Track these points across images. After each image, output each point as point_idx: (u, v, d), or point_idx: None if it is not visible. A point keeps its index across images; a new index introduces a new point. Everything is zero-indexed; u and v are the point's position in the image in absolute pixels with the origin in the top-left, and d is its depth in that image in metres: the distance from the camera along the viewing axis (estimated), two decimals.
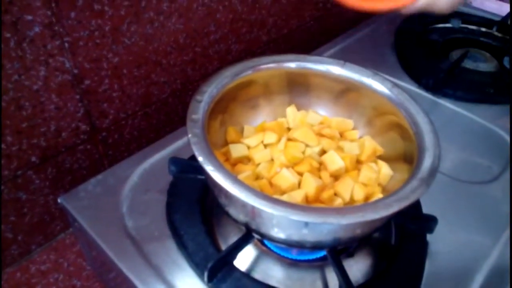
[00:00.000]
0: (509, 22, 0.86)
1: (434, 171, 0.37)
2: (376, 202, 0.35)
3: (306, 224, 0.35)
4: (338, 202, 0.42)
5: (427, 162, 0.38)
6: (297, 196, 0.40)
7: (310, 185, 0.41)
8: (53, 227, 0.56)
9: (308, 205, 0.40)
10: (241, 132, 0.49)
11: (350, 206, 0.39)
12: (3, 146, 0.46)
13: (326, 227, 0.36)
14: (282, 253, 0.46)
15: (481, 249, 0.48)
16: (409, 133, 0.43)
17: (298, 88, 0.51)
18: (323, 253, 0.45)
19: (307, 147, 0.47)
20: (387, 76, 0.69)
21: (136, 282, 0.43)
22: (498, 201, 0.54)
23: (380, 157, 0.48)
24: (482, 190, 0.55)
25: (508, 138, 0.62)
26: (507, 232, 0.50)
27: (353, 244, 0.46)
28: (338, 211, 0.34)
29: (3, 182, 0.48)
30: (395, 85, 0.46)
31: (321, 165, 0.45)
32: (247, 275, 0.43)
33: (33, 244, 0.55)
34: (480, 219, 0.51)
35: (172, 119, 0.65)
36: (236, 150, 0.46)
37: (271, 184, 0.43)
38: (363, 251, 0.47)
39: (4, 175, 0.48)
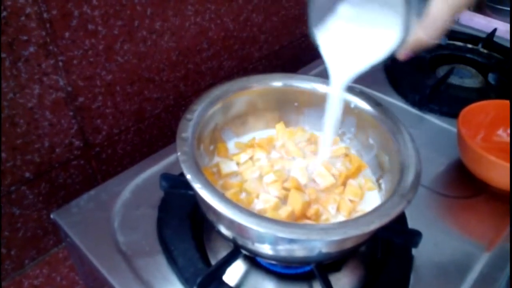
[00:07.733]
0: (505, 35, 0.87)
1: (415, 187, 0.38)
2: (358, 219, 0.36)
3: (291, 240, 0.36)
4: (324, 217, 0.43)
5: (408, 178, 0.39)
6: (282, 213, 0.41)
7: (296, 201, 0.42)
8: (46, 242, 0.57)
9: (292, 222, 0.41)
10: (231, 148, 0.51)
11: (333, 223, 0.40)
12: None
13: (311, 243, 0.37)
14: (271, 268, 0.46)
15: (465, 262, 0.49)
16: (392, 150, 0.44)
17: (286, 105, 0.52)
18: (311, 267, 0.46)
19: (294, 160, 0.48)
20: (375, 92, 0.72)
21: None
22: (483, 215, 0.55)
23: (365, 173, 0.49)
24: (467, 204, 0.56)
25: None
26: (493, 245, 0.51)
27: (340, 259, 0.47)
28: (322, 227, 0.35)
29: None
30: (379, 103, 0.48)
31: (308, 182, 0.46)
32: None
33: (26, 259, 0.56)
34: (465, 233, 0.52)
35: (165, 134, 0.66)
36: (226, 166, 0.47)
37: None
38: (350, 265, 0.48)
39: None
